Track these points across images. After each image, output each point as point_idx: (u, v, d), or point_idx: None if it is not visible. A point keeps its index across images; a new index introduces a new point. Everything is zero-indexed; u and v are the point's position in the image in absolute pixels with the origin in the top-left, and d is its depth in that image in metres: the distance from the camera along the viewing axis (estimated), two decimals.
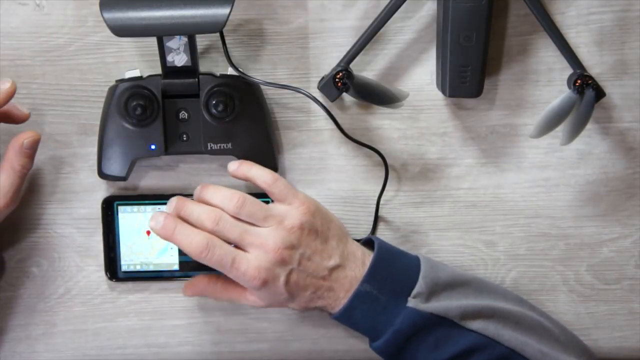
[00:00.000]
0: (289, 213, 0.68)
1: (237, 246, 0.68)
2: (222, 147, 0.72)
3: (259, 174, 0.70)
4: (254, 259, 0.66)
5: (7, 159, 0.68)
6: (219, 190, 0.69)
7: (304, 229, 0.68)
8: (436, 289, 0.69)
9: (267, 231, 0.67)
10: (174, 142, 0.72)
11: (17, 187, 0.69)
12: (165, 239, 0.67)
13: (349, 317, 0.69)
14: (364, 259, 0.70)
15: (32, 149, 0.69)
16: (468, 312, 0.69)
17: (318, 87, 0.73)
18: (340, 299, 0.69)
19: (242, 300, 0.71)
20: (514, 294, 0.75)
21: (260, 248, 0.67)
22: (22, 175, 0.69)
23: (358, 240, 0.73)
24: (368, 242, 0.73)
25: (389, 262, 0.70)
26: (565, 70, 0.73)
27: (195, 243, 0.66)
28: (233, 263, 0.66)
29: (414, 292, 0.68)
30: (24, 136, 0.69)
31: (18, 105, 0.70)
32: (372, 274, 0.69)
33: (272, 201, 0.71)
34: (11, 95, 0.68)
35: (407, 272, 0.70)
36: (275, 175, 0.70)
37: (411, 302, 0.68)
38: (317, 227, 0.69)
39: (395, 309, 0.68)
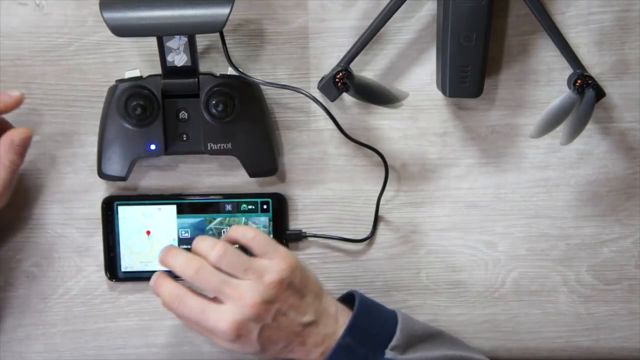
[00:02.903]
0: (270, 267, 0.67)
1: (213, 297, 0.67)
2: (222, 147, 0.72)
3: (239, 230, 0.70)
4: (228, 312, 0.65)
5: None
6: (204, 239, 0.69)
7: (283, 285, 0.67)
8: (412, 341, 0.70)
9: (246, 284, 0.66)
10: (174, 142, 0.72)
11: (6, 183, 0.69)
12: (156, 294, 0.68)
13: None
14: (337, 315, 0.70)
15: (22, 146, 0.69)
16: None
17: (318, 87, 0.73)
18: (311, 352, 0.68)
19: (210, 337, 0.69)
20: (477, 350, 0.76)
21: (237, 301, 0.65)
22: (12, 171, 0.68)
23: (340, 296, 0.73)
24: (347, 295, 0.73)
25: (370, 315, 0.70)
26: (565, 70, 0.73)
27: (168, 292, 0.66)
28: (203, 313, 0.65)
29: (392, 344, 0.68)
30: (15, 133, 0.68)
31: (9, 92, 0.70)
32: (354, 327, 0.69)
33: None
34: (18, 104, 0.69)
35: (385, 325, 0.70)
36: (256, 230, 0.70)
37: (389, 354, 0.68)
38: (296, 283, 0.68)
39: None
